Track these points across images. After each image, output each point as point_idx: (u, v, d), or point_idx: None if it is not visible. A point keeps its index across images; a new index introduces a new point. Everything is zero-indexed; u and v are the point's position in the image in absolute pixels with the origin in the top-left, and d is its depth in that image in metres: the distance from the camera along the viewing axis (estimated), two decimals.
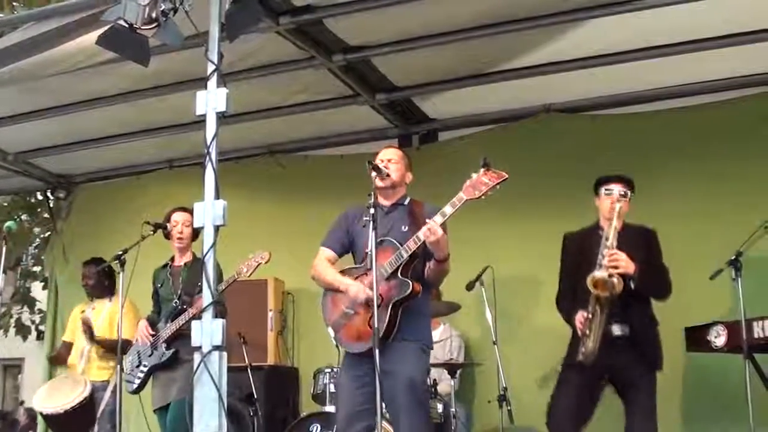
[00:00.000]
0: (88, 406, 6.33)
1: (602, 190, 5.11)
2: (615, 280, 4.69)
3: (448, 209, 4.43)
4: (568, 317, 5.05)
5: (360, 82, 6.70)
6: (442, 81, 6.79)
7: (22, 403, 7.16)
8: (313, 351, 7.41)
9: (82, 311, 6.95)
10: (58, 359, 7.49)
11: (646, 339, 4.96)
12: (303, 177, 7.85)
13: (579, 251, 5.14)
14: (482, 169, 4.40)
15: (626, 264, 4.78)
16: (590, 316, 4.78)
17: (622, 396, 4.98)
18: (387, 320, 4.44)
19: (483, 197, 4.37)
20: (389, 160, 4.85)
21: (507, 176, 4.38)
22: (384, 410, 4.98)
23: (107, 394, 6.47)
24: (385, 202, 4.80)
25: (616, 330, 4.88)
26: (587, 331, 4.78)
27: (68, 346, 7.12)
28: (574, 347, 4.96)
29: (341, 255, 4.92)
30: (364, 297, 4.51)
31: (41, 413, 6.48)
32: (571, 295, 5.08)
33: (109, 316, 6.76)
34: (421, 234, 4.43)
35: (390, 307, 4.48)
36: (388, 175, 4.75)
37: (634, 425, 4.85)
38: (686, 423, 6.10)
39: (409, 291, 4.49)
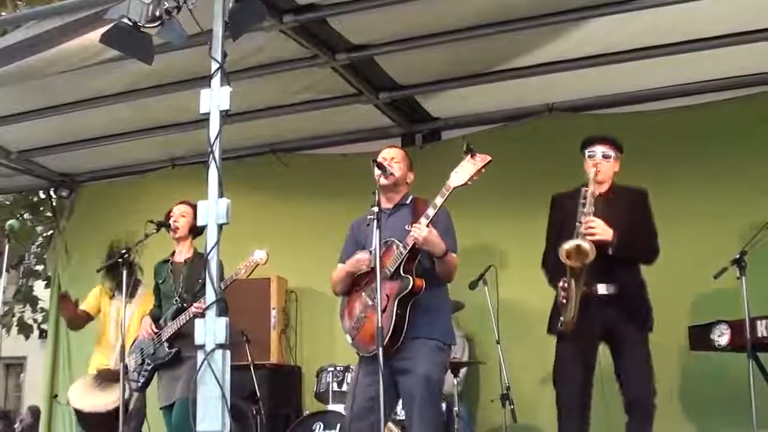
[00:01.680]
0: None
1: (585, 153, 5.04)
2: (587, 246, 4.60)
3: (438, 200, 4.45)
4: (550, 278, 5.04)
5: (363, 81, 6.69)
6: (446, 80, 6.78)
7: (57, 396, 6.87)
8: (316, 349, 7.42)
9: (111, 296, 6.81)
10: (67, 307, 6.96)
11: (635, 297, 4.87)
12: (306, 176, 7.85)
13: (562, 211, 5.07)
14: (467, 156, 4.42)
15: (603, 231, 4.72)
16: (566, 285, 4.72)
17: (616, 353, 4.88)
18: (393, 318, 4.43)
19: (470, 182, 4.39)
20: (392, 159, 4.85)
21: (490, 159, 4.39)
22: (397, 408, 5.03)
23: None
24: (387, 205, 4.79)
25: (602, 289, 4.79)
26: (564, 301, 4.75)
27: (84, 313, 6.87)
28: (554, 314, 4.95)
29: None
30: (367, 263, 4.57)
31: (82, 411, 6.37)
32: (554, 256, 5.01)
33: (139, 313, 6.63)
34: (413, 234, 4.46)
35: (395, 305, 4.47)
36: (391, 174, 4.75)
37: (631, 381, 4.74)
38: (689, 421, 6.09)
39: (409, 286, 4.48)
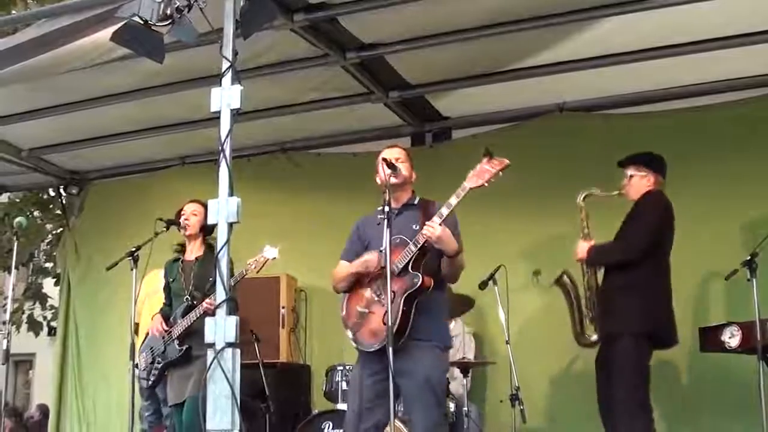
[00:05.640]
0: None
1: None
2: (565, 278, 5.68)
3: (453, 200, 4.44)
4: None
5: (374, 80, 6.68)
6: (456, 79, 6.77)
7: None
8: (325, 348, 7.43)
9: None
10: None
11: (607, 307, 5.28)
12: (316, 175, 7.85)
13: None
14: (485, 158, 4.42)
15: (583, 252, 5.36)
16: None
17: None
18: (399, 315, 4.42)
19: (486, 184, 4.39)
20: (397, 159, 4.80)
21: (508, 162, 4.41)
22: (399, 408, 5.01)
23: None
24: (395, 204, 4.73)
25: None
26: None
27: None
28: None
29: None
30: (376, 264, 4.54)
31: None
32: None
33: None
34: (426, 232, 4.44)
35: (402, 301, 4.45)
36: (401, 173, 4.72)
37: (611, 390, 5.02)
38: (699, 423, 6.07)
39: (419, 283, 4.47)
